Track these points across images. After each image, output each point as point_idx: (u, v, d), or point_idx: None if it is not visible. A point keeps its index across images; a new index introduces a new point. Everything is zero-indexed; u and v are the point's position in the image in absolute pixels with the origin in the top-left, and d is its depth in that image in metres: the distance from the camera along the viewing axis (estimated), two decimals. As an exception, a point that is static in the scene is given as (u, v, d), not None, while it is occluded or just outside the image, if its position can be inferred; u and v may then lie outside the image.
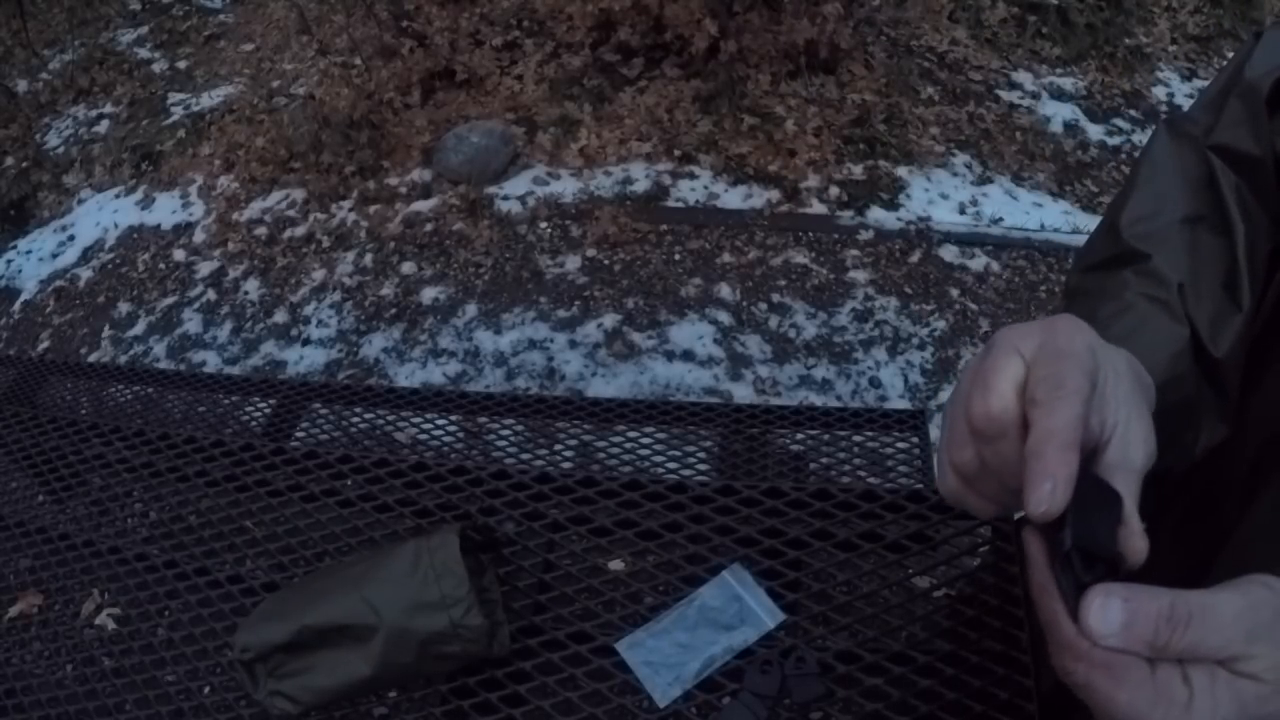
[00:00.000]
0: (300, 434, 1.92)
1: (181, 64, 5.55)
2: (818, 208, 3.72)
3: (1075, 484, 0.40)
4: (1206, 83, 0.69)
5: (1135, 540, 0.41)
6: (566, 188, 3.93)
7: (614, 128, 4.14)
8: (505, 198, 3.93)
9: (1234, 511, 0.64)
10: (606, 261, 3.61)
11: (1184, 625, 0.37)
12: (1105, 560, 0.40)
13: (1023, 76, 4.46)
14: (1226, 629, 0.38)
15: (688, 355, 3.19)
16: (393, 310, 3.57)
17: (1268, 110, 0.65)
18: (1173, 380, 0.56)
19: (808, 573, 1.02)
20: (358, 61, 4.73)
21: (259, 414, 2.02)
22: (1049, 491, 0.39)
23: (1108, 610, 0.38)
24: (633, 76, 4.34)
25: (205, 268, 3.99)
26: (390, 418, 1.88)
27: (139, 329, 3.77)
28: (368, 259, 3.81)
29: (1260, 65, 0.66)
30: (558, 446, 1.79)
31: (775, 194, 3.78)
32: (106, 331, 3.79)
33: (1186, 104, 4.25)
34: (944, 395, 2.97)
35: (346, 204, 4.08)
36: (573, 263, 3.62)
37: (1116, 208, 0.68)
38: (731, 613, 0.95)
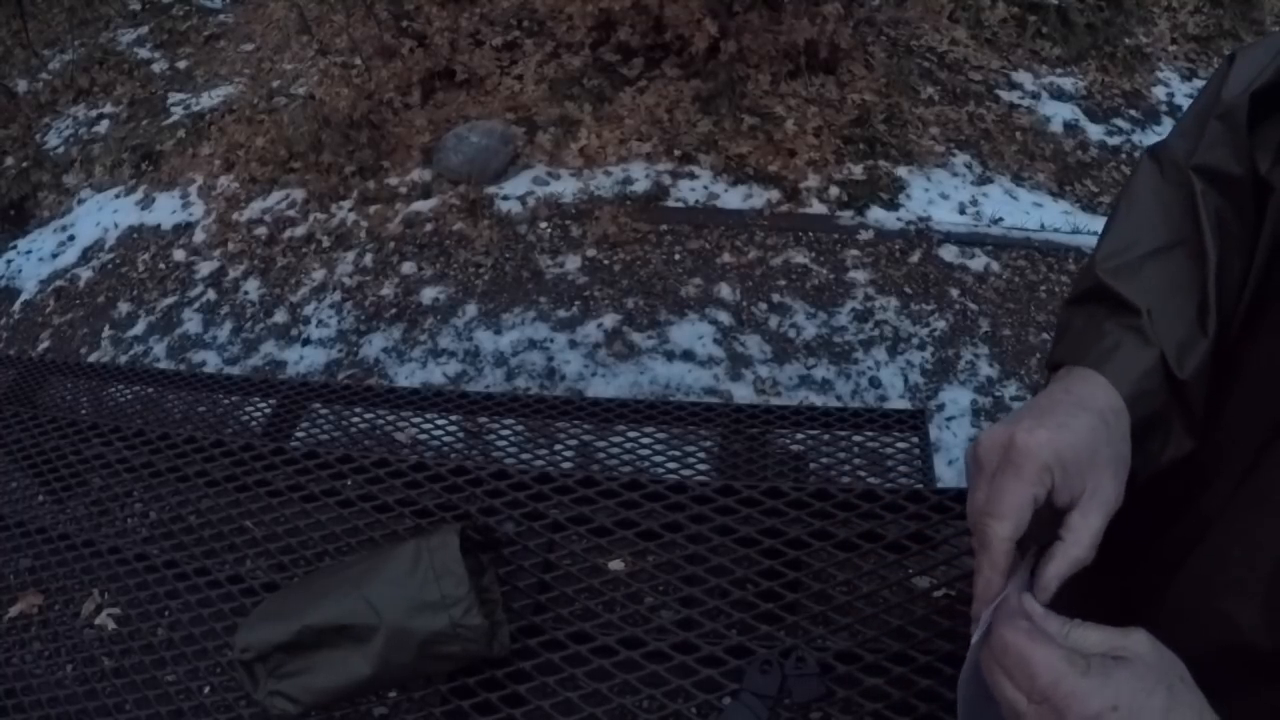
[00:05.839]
0: (300, 434, 1.92)
1: (181, 64, 5.55)
2: (818, 208, 3.72)
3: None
4: (1204, 83, 0.70)
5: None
6: (566, 188, 3.93)
7: (614, 128, 4.14)
8: (505, 198, 3.93)
9: (1209, 512, 0.67)
10: (606, 261, 3.61)
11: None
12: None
13: (1023, 76, 4.46)
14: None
15: (688, 355, 3.19)
16: (393, 310, 3.57)
17: (1246, 126, 0.67)
18: (1140, 395, 0.64)
19: (808, 573, 1.02)
20: (358, 61, 4.73)
21: (259, 414, 2.02)
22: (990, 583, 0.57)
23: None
24: (633, 76, 4.34)
25: (205, 268, 3.99)
26: (390, 418, 1.88)
27: (139, 329, 3.77)
28: (368, 259, 3.81)
29: (1236, 85, 0.68)
30: (558, 446, 1.80)
31: (775, 194, 3.78)
32: (106, 331, 3.79)
33: (1186, 104, 4.26)
34: (944, 395, 2.98)
35: (346, 204, 4.08)
36: (573, 263, 3.62)
37: (1098, 243, 0.72)
38: None
